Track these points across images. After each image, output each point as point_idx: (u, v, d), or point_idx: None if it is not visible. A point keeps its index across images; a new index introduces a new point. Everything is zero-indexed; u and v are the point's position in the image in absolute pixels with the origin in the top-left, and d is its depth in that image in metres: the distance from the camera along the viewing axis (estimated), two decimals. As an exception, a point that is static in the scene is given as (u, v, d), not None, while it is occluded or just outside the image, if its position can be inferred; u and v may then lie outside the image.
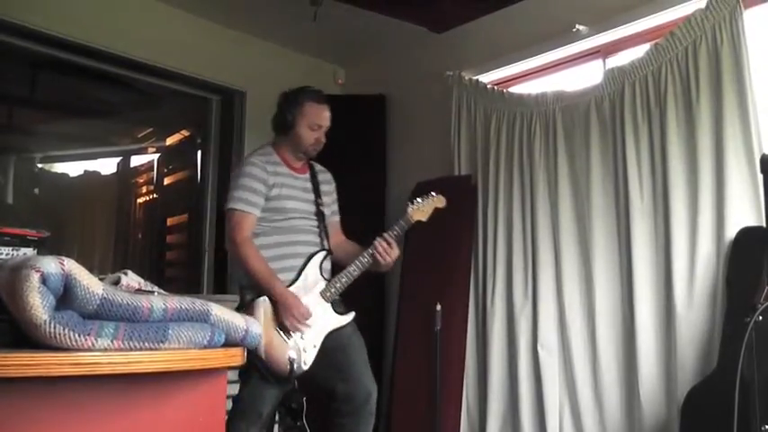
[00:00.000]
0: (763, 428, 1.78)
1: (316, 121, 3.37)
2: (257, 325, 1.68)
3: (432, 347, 4.27)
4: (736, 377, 1.85)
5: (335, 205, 3.62)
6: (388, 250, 3.30)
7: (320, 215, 3.44)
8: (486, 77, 4.88)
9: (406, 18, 4.86)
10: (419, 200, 3.49)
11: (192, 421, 1.55)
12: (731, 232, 3.34)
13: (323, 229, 3.44)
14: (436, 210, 3.53)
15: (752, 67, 3.39)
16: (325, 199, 3.51)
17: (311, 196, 3.45)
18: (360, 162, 5.39)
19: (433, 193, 3.54)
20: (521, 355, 4.20)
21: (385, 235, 3.33)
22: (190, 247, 5.64)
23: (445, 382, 4.31)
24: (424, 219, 3.48)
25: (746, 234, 3.21)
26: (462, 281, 4.55)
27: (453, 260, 4.60)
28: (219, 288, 5.17)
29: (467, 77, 4.86)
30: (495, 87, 4.76)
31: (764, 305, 1.80)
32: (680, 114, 3.64)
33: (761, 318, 1.81)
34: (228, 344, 1.59)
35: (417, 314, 4.55)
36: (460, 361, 4.44)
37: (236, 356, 1.60)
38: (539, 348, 4.13)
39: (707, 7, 3.54)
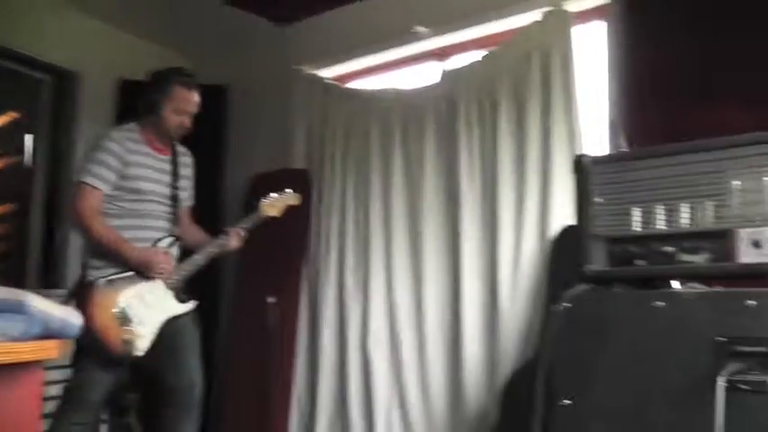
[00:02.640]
0: (561, 402, 1.95)
1: (182, 106, 3.32)
2: (77, 316, 1.63)
3: (263, 341, 4.23)
4: (543, 359, 1.97)
5: (192, 190, 3.59)
6: (239, 241, 3.36)
7: (175, 199, 3.39)
8: (327, 72, 4.93)
9: (251, 10, 4.84)
10: (273, 195, 3.52)
11: (3, 416, 1.48)
12: (555, 230, 3.57)
13: (174, 214, 3.39)
14: (289, 207, 3.59)
15: (578, 77, 3.64)
16: (182, 182, 3.46)
17: (168, 179, 3.39)
18: (198, 151, 5.26)
19: (288, 190, 3.58)
20: (350, 349, 4.29)
21: (237, 228, 3.36)
22: (15, 239, 5.32)
23: (276, 375, 4.31)
24: (276, 214, 3.52)
25: (566, 232, 3.44)
26: (295, 274, 4.59)
27: (287, 253, 4.62)
28: (48, 282, 4.91)
29: (308, 72, 4.89)
30: (335, 82, 4.82)
31: (570, 294, 1.90)
32: (511, 118, 3.83)
33: (570, 305, 1.91)
34: (48, 336, 1.53)
35: (250, 307, 4.51)
36: (291, 355, 4.47)
37: (51, 350, 1.54)
38: (369, 342, 4.22)
39: (541, 20, 3.76)
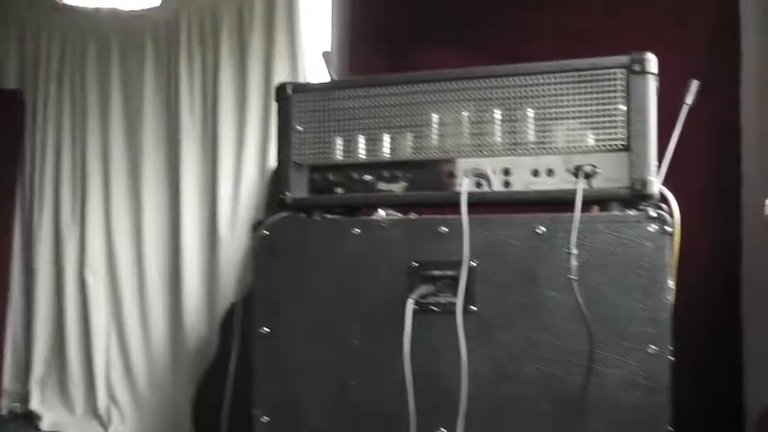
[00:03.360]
0: (260, 330, 1.98)
1: None
2: None
3: None
4: (243, 288, 1.91)
5: None
6: None
7: None
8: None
9: None
10: None
11: None
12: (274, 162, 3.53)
13: None
14: None
15: (302, 8, 3.68)
16: None
17: None
18: None
19: None
20: (67, 280, 4.15)
21: None
22: None
23: None
24: None
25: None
26: (8, 202, 4.29)
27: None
28: None
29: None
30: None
31: (269, 221, 1.86)
32: (233, 45, 3.85)
33: (268, 232, 1.86)
34: None
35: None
36: (4, 290, 4.21)
37: None
38: (86, 272, 4.09)
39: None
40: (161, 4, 3.99)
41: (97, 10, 4.19)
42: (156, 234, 3.97)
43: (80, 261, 4.14)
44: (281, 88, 2.10)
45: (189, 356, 3.78)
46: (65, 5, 4.28)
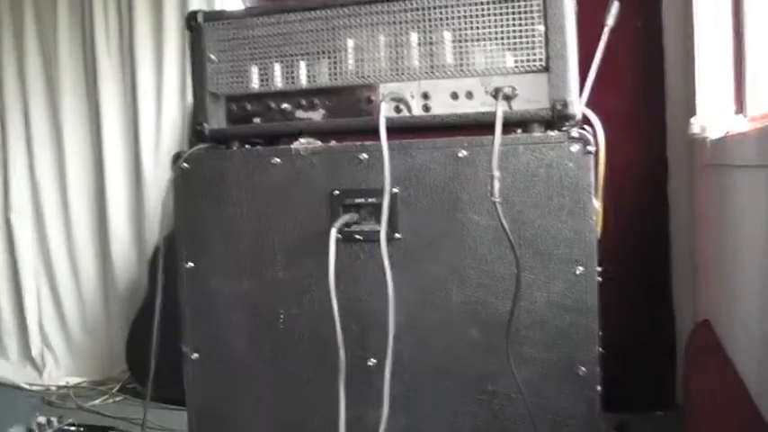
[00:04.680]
0: (185, 265, 1.97)
1: None
2: None
3: None
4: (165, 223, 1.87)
5: None
6: None
7: None
8: None
9: None
10: None
11: None
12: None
13: None
14: None
15: None
16: None
17: None
18: None
19: None
20: None
21: None
22: None
23: None
24: None
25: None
26: None
27: None
28: None
29: None
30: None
31: (188, 154, 1.83)
32: None
33: (187, 165, 1.81)
34: None
35: None
36: None
37: None
38: (11, 215, 4.02)
39: None
40: None
41: None
42: (81, 174, 3.87)
43: (4, 203, 4.03)
44: (192, 17, 2.03)
45: (120, 297, 3.74)
46: None
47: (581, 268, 1.70)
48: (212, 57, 1.98)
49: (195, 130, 1.97)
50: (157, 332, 1.95)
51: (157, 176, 3.59)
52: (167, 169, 3.57)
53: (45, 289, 3.94)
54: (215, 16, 2.02)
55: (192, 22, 2.02)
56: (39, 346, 4.00)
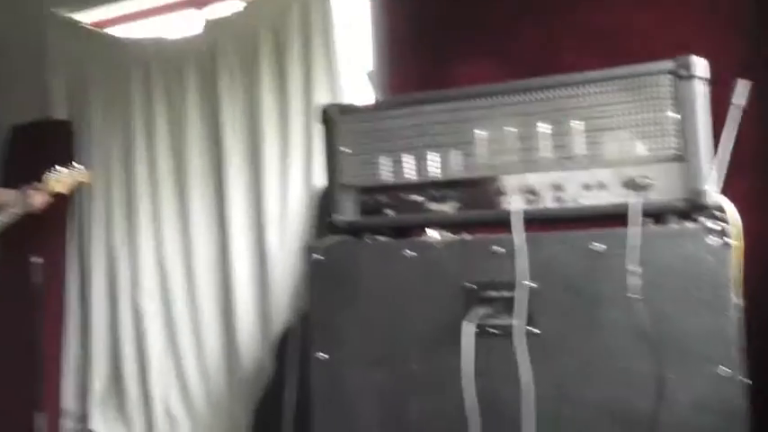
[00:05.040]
0: (317, 356, 1.98)
1: None
2: None
3: (29, 302, 3.90)
4: (300, 311, 1.91)
5: None
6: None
7: None
8: (85, 17, 4.54)
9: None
10: (61, 169, 3.23)
11: None
12: (320, 181, 3.48)
13: None
14: (80, 184, 3.37)
15: (339, 28, 3.59)
16: None
17: None
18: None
19: (78, 166, 3.34)
20: (122, 305, 4.16)
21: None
22: None
23: (45, 336, 4.02)
24: (64, 191, 3.27)
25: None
26: (60, 232, 4.29)
27: (50, 210, 4.22)
28: None
29: (65, 15, 4.50)
30: (94, 28, 4.50)
31: (321, 245, 1.85)
32: (273, 69, 3.78)
33: (322, 258, 1.85)
34: None
35: (13, 267, 4.12)
36: (59, 314, 4.24)
37: None
38: (140, 298, 4.10)
39: (300, -31, 3.67)
40: (202, 32, 4.02)
41: (141, 39, 4.25)
42: (207, 257, 3.97)
43: (133, 285, 4.15)
44: (326, 110, 2.10)
45: (244, 378, 3.73)
46: (108, 36, 4.39)
47: (724, 369, 1.61)
48: (345, 149, 2.05)
49: (328, 221, 2.02)
50: (291, 425, 1.97)
51: (282, 260, 3.60)
52: (291, 254, 3.65)
53: (171, 367, 4.01)
54: (348, 109, 2.09)
55: (325, 116, 2.09)
56: (163, 422, 4.07)
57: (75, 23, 4.50)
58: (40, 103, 4.52)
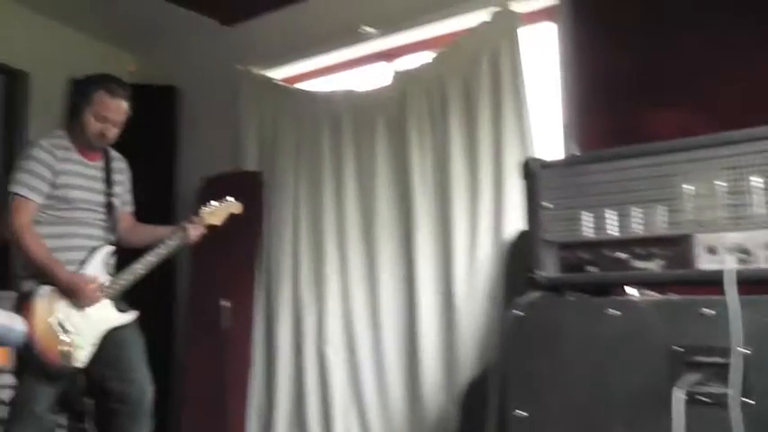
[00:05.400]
0: (515, 413, 1.93)
1: (103, 113, 3.14)
2: (21, 322, 1.53)
3: (218, 345, 4.15)
4: (497, 367, 1.90)
5: (129, 195, 3.46)
6: (198, 233, 3.30)
7: (109, 206, 3.27)
8: (277, 73, 4.82)
9: (197, 9, 4.71)
10: (214, 203, 3.43)
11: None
12: (510, 234, 3.49)
13: (110, 222, 3.27)
14: (231, 215, 3.49)
15: (528, 78, 3.58)
16: (116, 189, 3.33)
17: (101, 186, 3.26)
18: (147, 154, 5.14)
19: (230, 198, 3.50)
20: (307, 354, 4.21)
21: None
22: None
23: (232, 379, 4.22)
24: (217, 222, 3.43)
25: (522, 236, 3.34)
26: (249, 278, 4.47)
27: (240, 256, 4.50)
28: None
29: (257, 72, 4.78)
30: (285, 84, 4.72)
31: (522, 301, 1.84)
32: (462, 120, 3.78)
33: (522, 313, 1.85)
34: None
35: (204, 310, 4.40)
36: (247, 359, 4.37)
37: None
38: (325, 347, 4.14)
39: (490, 21, 3.70)
40: (391, 83, 4.10)
41: (331, 92, 4.39)
42: (393, 309, 3.97)
43: (319, 335, 4.21)
44: (528, 164, 2.10)
45: (428, 428, 3.71)
46: (299, 90, 4.61)
47: None
48: (546, 204, 2.03)
49: (529, 277, 2.01)
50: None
51: (468, 312, 3.56)
52: (479, 306, 3.61)
53: (354, 416, 4.03)
54: (549, 164, 2.08)
55: (527, 170, 2.09)
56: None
57: (267, 80, 4.75)
58: (232, 154, 4.80)
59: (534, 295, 2.01)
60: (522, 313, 1.98)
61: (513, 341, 2.00)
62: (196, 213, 3.37)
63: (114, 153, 3.38)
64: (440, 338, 3.73)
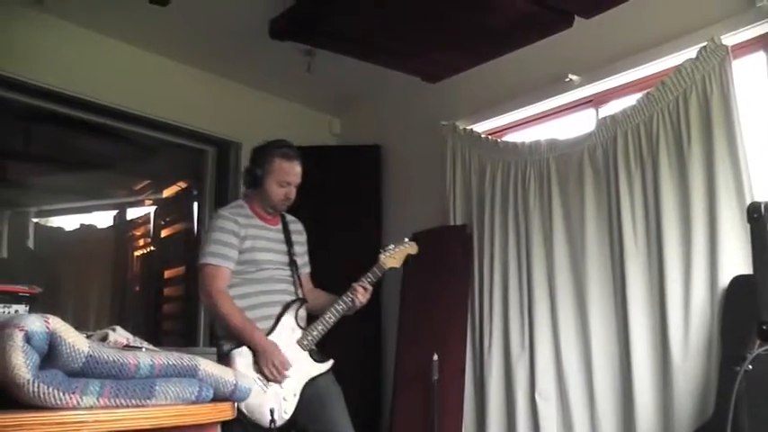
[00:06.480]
0: None
1: (284, 178, 3.38)
2: (247, 379, 1.69)
3: (429, 397, 4.22)
4: (727, 427, 1.82)
5: (307, 256, 3.65)
6: (365, 295, 3.36)
7: (293, 264, 3.47)
8: (481, 127, 4.90)
9: (399, 68, 4.88)
10: (391, 246, 3.54)
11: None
12: (725, 280, 3.31)
13: (296, 279, 3.46)
14: (409, 256, 3.58)
15: (741, 115, 3.41)
16: (297, 249, 3.53)
17: (284, 247, 3.47)
18: (355, 213, 5.41)
19: (406, 240, 3.61)
20: (518, 405, 4.17)
21: (362, 281, 3.37)
22: (186, 300, 5.60)
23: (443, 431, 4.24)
24: (397, 265, 3.53)
25: (739, 282, 3.19)
26: (459, 330, 4.52)
27: (450, 309, 4.57)
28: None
29: (461, 127, 4.89)
30: (490, 137, 4.79)
31: (754, 354, 1.77)
32: (672, 163, 3.64)
33: (750, 367, 1.78)
34: (217, 398, 1.58)
35: (414, 364, 4.51)
36: (458, 411, 4.37)
37: (226, 411, 1.60)
38: (536, 397, 4.09)
39: (697, 57, 3.57)
40: (596, 128, 4.05)
41: (536, 142, 4.38)
42: (605, 359, 3.86)
43: (530, 384, 4.16)
44: (753, 207, 2.03)
45: None
46: (503, 143, 4.61)
47: None
48: (774, 249, 1.96)
49: (761, 329, 1.93)
50: None
51: (686, 366, 3.38)
52: (695, 358, 3.41)
53: None
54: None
55: (754, 213, 2.02)
56: None
57: (473, 133, 4.82)
58: (438, 209, 4.91)
59: (764, 347, 1.91)
60: (750, 367, 1.90)
61: (741, 397, 1.91)
62: (375, 260, 3.48)
63: (289, 216, 3.60)
64: (655, 392, 3.53)
